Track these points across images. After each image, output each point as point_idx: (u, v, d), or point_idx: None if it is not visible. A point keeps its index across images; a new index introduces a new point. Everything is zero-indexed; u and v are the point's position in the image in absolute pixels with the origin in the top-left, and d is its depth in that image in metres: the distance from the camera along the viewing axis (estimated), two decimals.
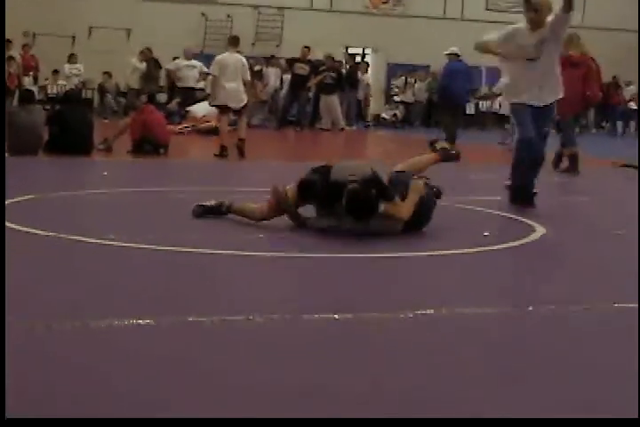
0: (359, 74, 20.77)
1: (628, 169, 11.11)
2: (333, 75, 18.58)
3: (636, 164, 11.07)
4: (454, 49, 14.39)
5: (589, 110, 12.28)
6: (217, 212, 5.69)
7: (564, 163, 10.55)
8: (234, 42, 11.73)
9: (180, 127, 15.44)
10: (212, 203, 5.73)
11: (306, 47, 18.82)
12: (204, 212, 5.70)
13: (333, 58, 18.97)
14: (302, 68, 18.35)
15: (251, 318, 3.33)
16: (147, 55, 18.84)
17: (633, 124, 23.53)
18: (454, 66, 14.38)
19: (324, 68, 18.76)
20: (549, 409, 2.50)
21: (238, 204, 5.71)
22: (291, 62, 18.81)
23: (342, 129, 18.12)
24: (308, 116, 19.20)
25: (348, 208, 4.96)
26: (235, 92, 11.21)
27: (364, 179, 5.01)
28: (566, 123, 10.44)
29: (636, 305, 3.73)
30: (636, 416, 2.44)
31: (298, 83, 18.37)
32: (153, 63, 18.97)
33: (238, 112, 11.58)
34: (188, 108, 16.55)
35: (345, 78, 19.78)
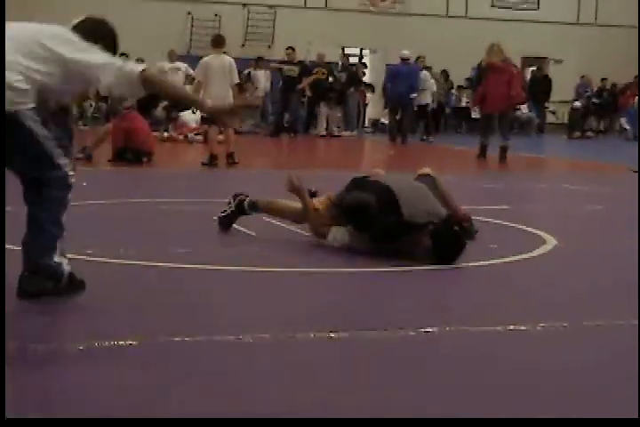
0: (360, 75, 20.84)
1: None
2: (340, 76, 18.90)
3: None
4: (405, 53, 17.50)
5: (515, 109, 15.23)
6: (240, 214, 5.69)
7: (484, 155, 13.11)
8: (218, 42, 11.46)
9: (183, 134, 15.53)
10: (232, 207, 5.71)
11: (290, 48, 18.85)
12: (229, 222, 5.70)
13: (322, 62, 19.07)
14: (292, 70, 18.37)
15: (241, 337, 3.34)
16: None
17: None
18: (397, 69, 17.53)
19: (317, 69, 18.83)
20: None
21: (267, 200, 5.72)
22: (282, 64, 18.84)
23: (336, 135, 18.26)
24: (302, 122, 19.24)
25: (441, 251, 4.91)
26: (222, 98, 10.98)
27: (444, 220, 5.03)
28: (492, 119, 13.27)
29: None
30: (636, 416, 2.46)
31: (288, 86, 18.39)
32: None
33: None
34: (180, 114, 16.52)
35: (346, 81, 19.87)
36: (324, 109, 18.96)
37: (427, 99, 18.87)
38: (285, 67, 18.47)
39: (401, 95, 17.11)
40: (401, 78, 17.14)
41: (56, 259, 3.73)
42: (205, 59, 11.35)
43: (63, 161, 3.74)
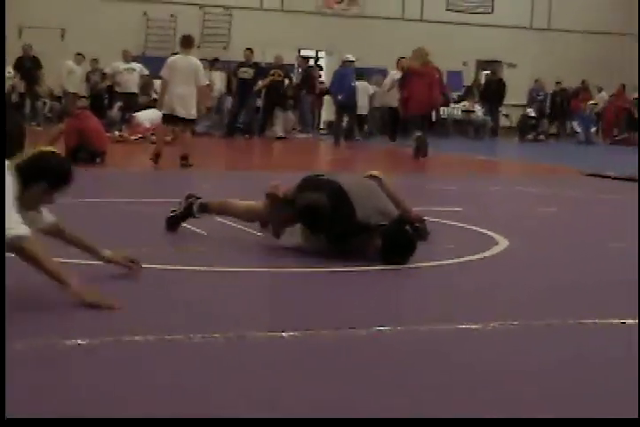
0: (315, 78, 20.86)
1: (594, 178, 11.31)
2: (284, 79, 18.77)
3: (604, 173, 11.33)
4: (349, 56, 18.02)
5: (435, 110, 15.41)
6: (187, 216, 5.67)
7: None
8: (186, 42, 11.34)
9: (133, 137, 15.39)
10: (180, 209, 5.68)
11: (248, 49, 18.83)
12: (176, 222, 5.67)
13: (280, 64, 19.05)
14: (246, 72, 18.32)
15: (191, 336, 3.33)
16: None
17: (594, 129, 23.88)
18: (340, 71, 18.05)
19: (274, 71, 18.83)
20: None
21: (219, 201, 5.69)
22: (237, 66, 18.78)
23: (284, 137, 18.32)
24: (257, 123, 19.22)
25: (391, 251, 4.89)
26: (184, 98, 10.89)
27: (396, 221, 5.03)
28: (415, 120, 13.88)
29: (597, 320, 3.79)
30: (636, 416, 2.48)
31: (243, 88, 18.32)
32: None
33: (184, 122, 11.23)
34: (134, 115, 16.40)
35: (300, 83, 19.88)
36: (278, 112, 18.95)
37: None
38: (240, 69, 18.42)
39: (343, 98, 17.69)
40: (344, 80, 17.78)
41: None
42: (172, 58, 11.28)
43: None
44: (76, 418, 2.35)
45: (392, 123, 18.79)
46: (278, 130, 18.74)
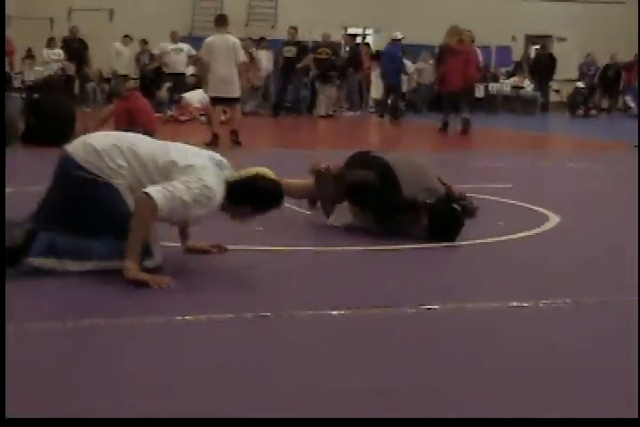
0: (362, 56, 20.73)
1: None
2: (333, 58, 18.67)
3: None
4: (397, 34, 17.58)
5: (472, 87, 15.04)
6: None
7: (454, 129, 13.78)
8: (221, 21, 11.38)
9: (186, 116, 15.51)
10: None
11: (292, 28, 18.78)
12: None
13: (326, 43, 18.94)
14: (290, 51, 18.29)
15: (243, 314, 3.35)
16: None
17: None
18: (388, 49, 17.65)
19: (322, 49, 18.77)
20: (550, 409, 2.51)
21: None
22: (283, 45, 18.75)
23: (330, 115, 18.24)
24: (304, 102, 19.19)
25: (438, 228, 4.89)
26: (227, 79, 10.94)
27: (444, 198, 5.03)
28: (453, 97, 14.13)
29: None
30: (636, 416, 2.46)
31: (287, 66, 18.31)
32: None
33: (230, 101, 11.36)
34: (183, 95, 16.48)
35: (347, 61, 19.78)
36: (325, 89, 18.90)
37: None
38: (285, 48, 18.40)
39: (389, 75, 17.54)
40: (389, 59, 17.52)
41: None
42: (209, 39, 11.28)
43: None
44: (76, 418, 2.35)
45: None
46: (322, 108, 18.70)
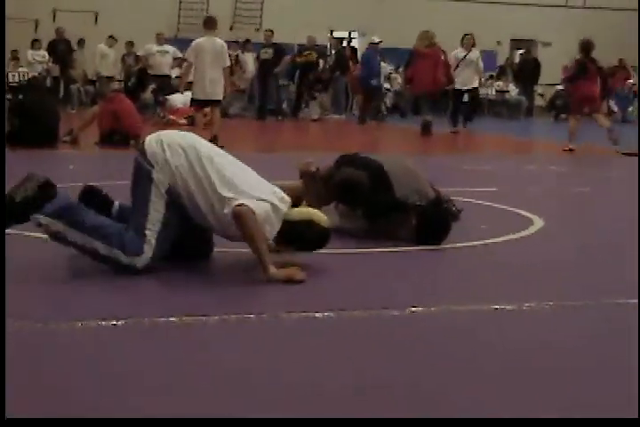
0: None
1: (630, 157, 11.18)
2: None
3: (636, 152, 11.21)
4: (374, 38, 17.90)
5: (440, 90, 15.21)
6: None
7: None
8: (210, 24, 11.40)
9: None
10: None
11: (268, 30, 18.80)
12: None
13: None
14: (266, 53, 18.27)
15: (226, 317, 3.34)
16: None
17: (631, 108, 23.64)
18: (366, 53, 18.17)
19: (307, 52, 18.83)
20: (548, 409, 2.53)
21: None
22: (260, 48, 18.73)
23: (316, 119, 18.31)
24: (283, 104, 19.19)
25: (427, 231, 4.92)
26: (214, 82, 10.98)
27: (434, 201, 5.06)
28: (420, 100, 14.95)
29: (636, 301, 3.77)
30: (636, 416, 2.48)
31: (263, 69, 18.29)
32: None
33: (212, 103, 11.33)
34: (168, 97, 16.45)
35: (334, 64, 19.81)
36: (314, 93, 18.98)
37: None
38: (261, 50, 18.37)
39: (367, 80, 17.72)
40: (368, 63, 17.83)
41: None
42: (197, 40, 11.27)
43: (147, 244, 3.97)
44: (76, 418, 2.36)
45: (455, 106, 16.05)
46: (313, 111, 18.74)
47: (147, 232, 3.98)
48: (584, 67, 12.35)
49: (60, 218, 3.94)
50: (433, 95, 14.74)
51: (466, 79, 15.23)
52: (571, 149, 12.14)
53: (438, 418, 2.44)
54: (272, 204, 4.03)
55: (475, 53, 15.39)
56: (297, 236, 4.14)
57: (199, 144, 4.19)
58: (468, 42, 15.35)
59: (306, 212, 4.25)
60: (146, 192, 4.02)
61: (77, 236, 3.95)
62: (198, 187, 4.02)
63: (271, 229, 4.03)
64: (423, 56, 14.29)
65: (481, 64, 15.59)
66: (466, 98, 15.58)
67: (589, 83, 12.37)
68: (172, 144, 4.08)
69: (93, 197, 4.33)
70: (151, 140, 4.12)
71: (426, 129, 14.25)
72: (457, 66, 15.19)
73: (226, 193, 3.98)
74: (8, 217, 3.93)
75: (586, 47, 12.57)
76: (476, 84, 15.67)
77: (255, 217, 3.90)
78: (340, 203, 5.27)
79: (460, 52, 15.36)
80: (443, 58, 14.70)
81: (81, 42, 19.93)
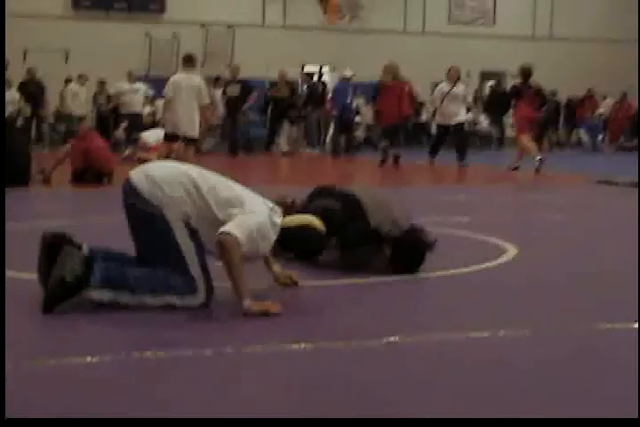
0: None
1: (605, 185, 11.30)
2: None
3: (612, 180, 11.34)
4: (346, 72, 18.47)
5: (406, 122, 16.08)
6: None
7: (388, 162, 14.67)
8: (189, 60, 11.42)
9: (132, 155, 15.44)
10: None
11: (233, 66, 18.94)
12: None
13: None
14: (233, 90, 18.34)
15: (201, 351, 3.33)
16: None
17: (601, 137, 23.95)
18: (338, 87, 18.82)
19: (278, 87, 18.98)
20: None
21: None
22: (225, 84, 18.80)
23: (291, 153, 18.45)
24: (250, 140, 19.29)
25: (402, 261, 4.96)
26: (188, 117, 10.96)
27: (408, 231, 5.07)
28: (388, 132, 15.04)
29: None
30: (636, 416, 2.48)
31: (231, 105, 18.36)
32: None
33: (186, 141, 11.31)
34: (141, 135, 16.45)
35: (306, 98, 19.95)
36: (284, 127, 19.07)
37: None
38: (228, 87, 18.42)
39: (340, 113, 18.35)
40: (340, 97, 18.37)
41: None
42: (174, 77, 11.28)
43: (198, 281, 4.01)
44: (76, 418, 2.35)
45: (436, 140, 15.89)
46: (283, 145, 18.84)
47: (190, 269, 4.00)
48: (518, 90, 13.85)
49: (105, 286, 3.96)
50: (398, 127, 15.11)
51: (451, 114, 14.86)
52: (515, 168, 13.66)
53: None
54: (266, 215, 4.06)
55: (460, 87, 15.08)
56: (296, 242, 4.21)
57: (188, 170, 4.19)
58: (451, 74, 15.03)
59: (301, 218, 4.30)
60: (168, 234, 4.00)
61: (127, 297, 3.98)
62: (201, 213, 4.03)
63: (266, 243, 4.06)
64: (388, 89, 14.64)
65: (469, 98, 15.57)
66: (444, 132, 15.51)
67: (525, 105, 13.80)
68: (164, 178, 4.06)
69: (59, 248, 4.13)
70: (141, 180, 4.07)
71: (385, 159, 14.73)
72: (442, 100, 14.88)
73: (221, 216, 4.01)
74: (62, 297, 3.89)
75: (524, 72, 13.91)
76: (462, 119, 15.27)
77: (238, 248, 3.89)
78: None
79: (445, 86, 15.03)
80: (407, 90, 15.07)
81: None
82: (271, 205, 4.21)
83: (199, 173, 4.19)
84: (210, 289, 4.05)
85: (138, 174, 4.13)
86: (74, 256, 3.95)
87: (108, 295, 3.96)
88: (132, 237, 4.20)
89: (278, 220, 4.15)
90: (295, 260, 4.65)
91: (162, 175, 4.08)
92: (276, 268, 4.63)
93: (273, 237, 4.10)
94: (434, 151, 15.48)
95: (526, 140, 13.73)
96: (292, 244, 4.22)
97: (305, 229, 4.22)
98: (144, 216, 4.05)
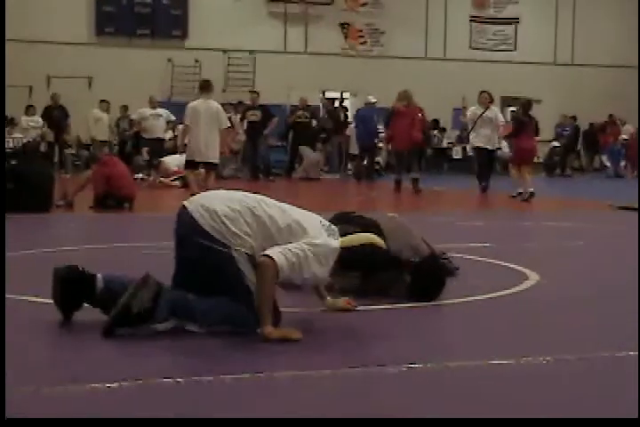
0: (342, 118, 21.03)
1: (626, 211, 11.24)
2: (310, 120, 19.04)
3: (635, 205, 11.26)
4: (370, 98, 18.65)
5: (420, 148, 16.21)
6: None
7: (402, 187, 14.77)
8: (206, 87, 11.55)
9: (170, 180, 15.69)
10: None
11: (254, 92, 19.09)
12: None
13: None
14: (254, 115, 18.48)
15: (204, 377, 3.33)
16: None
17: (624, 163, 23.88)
18: (362, 112, 18.80)
19: (300, 113, 19.12)
20: None
21: None
22: (245, 110, 18.96)
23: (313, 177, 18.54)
24: (271, 165, 19.38)
25: (421, 287, 4.93)
26: (207, 143, 11.06)
27: (428, 257, 5.10)
28: (401, 157, 15.26)
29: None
30: (636, 416, 2.46)
31: (252, 130, 18.49)
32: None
33: (208, 166, 11.40)
34: (162, 159, 16.62)
35: (328, 124, 20.10)
36: (306, 152, 19.16)
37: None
38: (248, 112, 18.58)
39: (363, 139, 18.55)
40: (365, 121, 18.50)
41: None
42: (192, 103, 11.41)
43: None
44: (76, 418, 2.35)
45: (481, 165, 15.22)
46: (304, 170, 18.95)
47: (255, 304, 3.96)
48: (521, 123, 14.04)
49: (170, 316, 3.99)
50: (411, 152, 15.12)
51: (488, 137, 14.72)
52: (514, 196, 13.83)
53: None
54: (323, 240, 4.02)
55: (492, 111, 14.91)
56: (362, 261, 4.20)
57: (246, 198, 4.13)
58: (482, 99, 14.90)
59: (364, 237, 4.28)
60: (233, 270, 3.95)
61: (192, 327, 4.00)
62: (264, 243, 3.98)
63: (324, 269, 4.01)
64: (401, 115, 14.82)
65: (500, 120, 14.90)
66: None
67: (526, 137, 14.06)
68: (227, 213, 3.99)
69: (74, 283, 4.12)
70: (200, 212, 3.99)
71: (416, 187, 14.73)
72: (474, 123, 14.80)
73: (283, 244, 3.96)
74: (120, 324, 3.91)
75: (524, 106, 14.34)
76: (497, 145, 15.26)
77: (273, 272, 3.85)
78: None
79: (477, 109, 14.92)
80: (420, 116, 15.29)
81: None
82: (327, 224, 4.17)
83: (257, 202, 4.12)
84: (276, 320, 4.00)
85: (196, 206, 4.04)
86: (149, 289, 3.94)
87: (173, 324, 4.00)
88: (183, 267, 4.13)
89: (337, 242, 4.09)
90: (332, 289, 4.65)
91: (224, 210, 3.99)
92: (329, 301, 4.62)
93: (331, 261, 4.03)
94: (483, 177, 14.91)
95: (525, 172, 13.91)
96: (356, 263, 4.19)
97: (367, 246, 4.19)
98: (205, 250, 3.97)
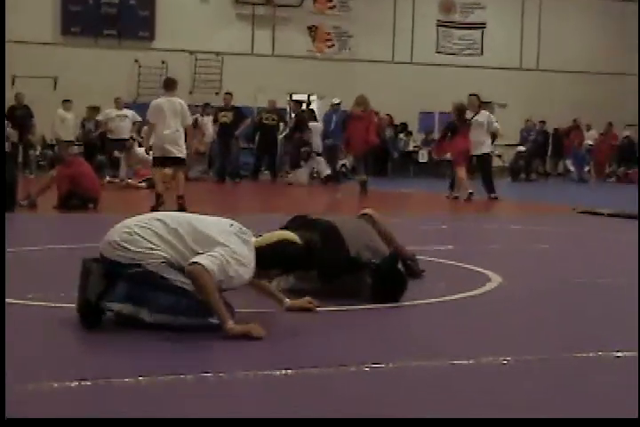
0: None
1: (587, 215, 11.36)
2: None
3: (597, 210, 11.42)
4: (334, 100, 18.57)
5: (371, 151, 15.85)
6: None
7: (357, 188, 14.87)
8: (170, 84, 11.48)
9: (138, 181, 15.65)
10: None
11: (227, 93, 19.07)
12: None
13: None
14: (225, 116, 18.46)
15: (183, 377, 3.33)
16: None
17: (587, 167, 24.13)
18: (327, 114, 18.83)
19: (268, 115, 19.14)
20: None
21: None
22: (217, 111, 18.93)
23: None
24: (239, 167, 19.36)
25: (382, 289, 4.94)
26: (173, 139, 10.99)
27: (387, 258, 5.09)
28: (357, 159, 15.50)
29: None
30: (636, 416, 2.49)
31: (223, 132, 18.47)
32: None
33: (175, 164, 11.36)
34: (134, 150, 16.58)
35: (294, 126, 20.07)
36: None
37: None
38: (220, 113, 18.55)
39: (327, 139, 18.55)
40: (327, 124, 18.63)
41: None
42: (157, 100, 11.32)
43: None
44: (76, 418, 2.35)
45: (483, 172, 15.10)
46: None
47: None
48: (454, 126, 14.42)
49: (127, 301, 4.08)
50: (366, 155, 15.33)
51: (475, 143, 14.28)
52: (455, 197, 14.22)
53: None
54: (238, 241, 4.14)
55: (483, 115, 14.53)
56: (278, 258, 4.26)
57: (144, 218, 4.33)
58: (472, 103, 14.51)
59: (276, 234, 4.35)
60: (162, 281, 4.09)
61: (145, 315, 4.08)
62: (180, 254, 4.14)
63: (247, 269, 4.14)
64: (358, 119, 15.05)
65: (494, 125, 14.60)
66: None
67: (461, 139, 14.26)
68: (125, 238, 4.17)
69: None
70: (107, 249, 4.18)
71: (363, 188, 14.86)
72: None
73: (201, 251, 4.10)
74: (89, 317, 4.10)
75: (458, 109, 14.44)
76: (486, 150, 14.73)
77: (207, 274, 3.97)
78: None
79: (467, 115, 14.42)
80: (376, 120, 15.77)
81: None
82: (239, 227, 4.26)
83: (157, 219, 4.28)
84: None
85: (102, 244, 4.24)
86: (93, 273, 4.13)
87: (128, 310, 4.08)
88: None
89: (250, 242, 4.20)
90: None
91: (121, 236, 4.18)
92: (283, 296, 4.68)
93: (251, 261, 4.16)
94: (488, 186, 14.59)
95: (462, 173, 14.24)
96: (272, 261, 4.25)
97: (280, 243, 4.25)
98: (130, 275, 4.13)
